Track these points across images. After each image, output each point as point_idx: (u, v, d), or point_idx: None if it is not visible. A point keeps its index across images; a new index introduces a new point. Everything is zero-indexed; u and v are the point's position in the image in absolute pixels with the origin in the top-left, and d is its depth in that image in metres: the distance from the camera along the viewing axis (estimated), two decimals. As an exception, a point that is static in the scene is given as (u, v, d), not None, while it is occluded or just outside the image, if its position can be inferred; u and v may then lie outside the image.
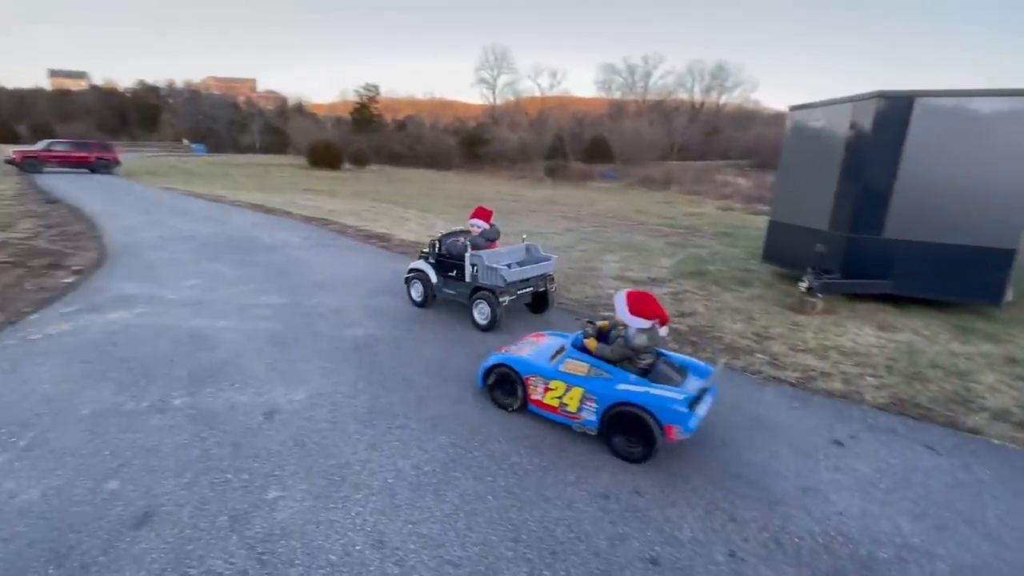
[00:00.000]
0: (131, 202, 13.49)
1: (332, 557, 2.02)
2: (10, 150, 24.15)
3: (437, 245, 5.29)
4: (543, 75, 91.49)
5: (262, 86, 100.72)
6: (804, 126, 7.07)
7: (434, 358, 4.00)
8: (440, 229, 6.95)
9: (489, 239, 5.29)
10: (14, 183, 17.65)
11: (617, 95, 68.32)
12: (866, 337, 4.93)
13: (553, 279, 5.33)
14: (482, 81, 74.77)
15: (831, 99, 6.52)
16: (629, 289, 3.10)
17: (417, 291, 5.41)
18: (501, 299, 4.62)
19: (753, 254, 8.99)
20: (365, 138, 49.46)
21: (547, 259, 5.31)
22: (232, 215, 12.16)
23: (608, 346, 3.01)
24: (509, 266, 4.78)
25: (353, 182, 28.76)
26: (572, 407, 2.96)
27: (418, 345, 4.25)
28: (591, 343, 3.11)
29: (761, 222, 15.05)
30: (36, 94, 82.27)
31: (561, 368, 3.07)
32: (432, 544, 2.11)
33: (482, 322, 4.73)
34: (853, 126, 5.96)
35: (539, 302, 5.35)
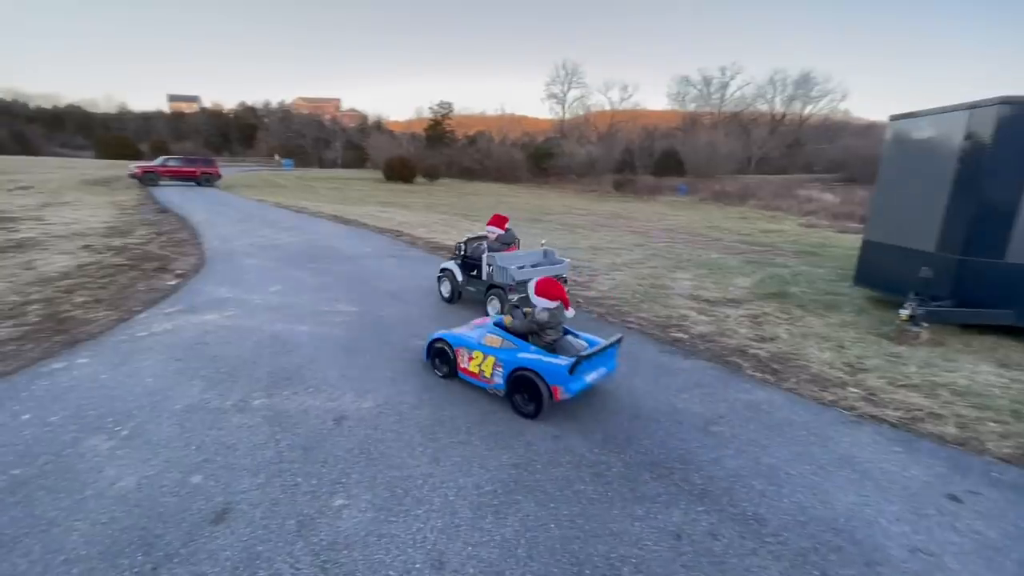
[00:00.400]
0: (228, 212, 14.76)
1: (391, 574, 2.00)
2: (133, 165, 27.38)
3: (462, 248, 5.96)
4: (614, 89, 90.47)
5: (346, 105, 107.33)
6: (907, 137, 6.41)
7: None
8: (467, 233, 7.48)
9: (505, 243, 5.83)
10: (135, 194, 19.94)
11: (691, 107, 66.20)
12: (984, 375, 4.31)
13: (567, 280, 5.71)
14: (552, 96, 75.23)
15: (940, 107, 5.87)
16: (540, 277, 3.67)
17: (446, 288, 6.06)
18: (511, 296, 5.05)
19: (842, 275, 8.26)
20: (437, 153, 51.32)
21: (561, 262, 5.74)
22: (314, 225, 12.95)
23: (519, 321, 3.59)
24: (522, 267, 5.28)
25: (425, 195, 29.82)
26: (487, 373, 3.53)
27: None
28: (507, 319, 3.69)
29: (850, 241, 13.87)
30: (157, 116, 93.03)
31: (482, 341, 3.64)
32: (491, 571, 2.04)
33: (495, 319, 4.60)
34: (969, 136, 5.32)
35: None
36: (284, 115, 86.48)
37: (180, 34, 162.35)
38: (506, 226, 6.02)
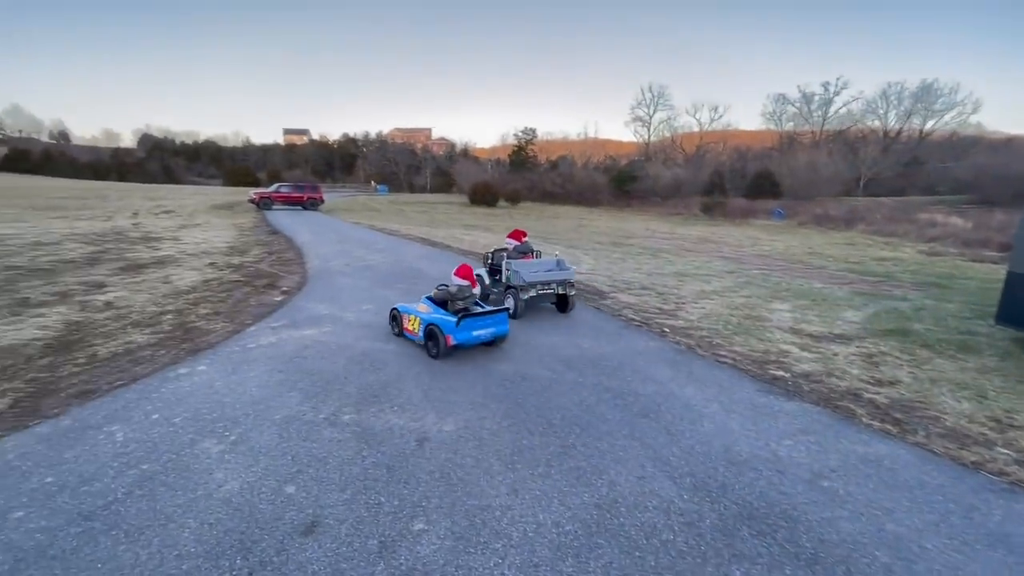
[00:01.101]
0: (328, 234, 16.02)
1: (469, 609, 1.95)
2: (252, 192, 30.86)
3: (490, 257, 7.24)
4: (703, 110, 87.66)
5: (436, 134, 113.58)
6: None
7: (582, 403, 3.83)
8: (494, 246, 8.92)
9: (522, 252, 7.03)
10: (252, 217, 22.30)
11: (788, 126, 62.20)
12: None
13: (573, 285, 6.75)
14: (637, 119, 74.23)
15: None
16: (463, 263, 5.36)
17: (479, 290, 6.72)
18: (522, 294, 6.30)
19: (979, 312, 7.17)
20: (520, 177, 52.48)
21: (568, 269, 6.76)
22: (403, 247, 13.66)
23: (437, 291, 5.24)
24: (535, 271, 6.48)
25: (507, 218, 30.45)
26: (415, 329, 5.05)
27: (564, 388, 4.13)
28: (435, 293, 5.26)
29: (987, 272, 12.07)
30: (274, 148, 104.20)
31: (417, 308, 5.18)
32: (572, 620, 1.91)
33: (512, 314, 6.07)
34: None
35: (562, 303, 6.73)
36: (380, 145, 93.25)
37: (295, 75, 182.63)
38: (524, 239, 7.18)
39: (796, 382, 4.48)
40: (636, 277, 10.12)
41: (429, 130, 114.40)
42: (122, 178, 73.28)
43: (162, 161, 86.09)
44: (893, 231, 23.23)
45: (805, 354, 5.32)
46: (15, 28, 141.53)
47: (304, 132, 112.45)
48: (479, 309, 5.11)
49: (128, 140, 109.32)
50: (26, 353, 4.62)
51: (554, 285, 6.52)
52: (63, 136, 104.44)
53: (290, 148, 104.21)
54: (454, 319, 4.67)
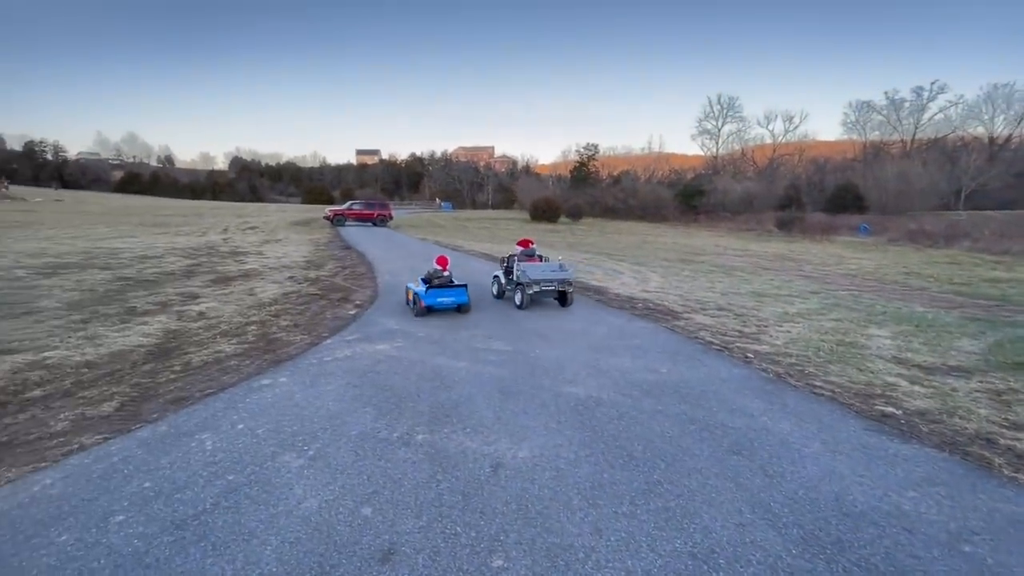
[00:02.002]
0: (397, 249, 16.56)
1: (557, 666, 1.77)
2: (327, 209, 32.77)
3: (505, 261, 8.72)
4: (776, 120, 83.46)
5: (499, 152, 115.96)
6: None
7: (664, 435, 3.56)
8: (507, 251, 10.34)
9: (528, 256, 8.41)
10: (327, 233, 23.56)
11: (874, 136, 57.82)
12: None
13: (571, 284, 8.03)
14: (704, 132, 71.89)
15: None
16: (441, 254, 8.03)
17: (496, 288, 8.71)
18: (528, 289, 7.70)
19: None
20: (581, 193, 52.20)
21: (567, 271, 7.96)
22: (467, 262, 13.83)
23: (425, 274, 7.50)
24: (543, 271, 7.84)
25: (568, 235, 30.26)
26: (410, 299, 7.46)
27: (643, 417, 3.87)
28: (425, 276, 7.48)
29: None
30: (347, 168, 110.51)
31: (414, 286, 7.39)
32: None
33: (517, 303, 7.90)
34: None
35: (563, 298, 8.07)
36: (445, 163, 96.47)
37: (368, 98, 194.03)
38: (531, 245, 8.72)
39: (911, 421, 3.95)
40: (710, 297, 9.58)
41: (491, 148, 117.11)
42: (215, 197, 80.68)
43: (249, 181, 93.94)
44: (1006, 248, 20.75)
45: (917, 388, 4.71)
46: (132, 64, 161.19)
47: (375, 152, 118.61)
48: (449, 285, 7.40)
49: (221, 162, 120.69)
50: (132, 359, 5.00)
51: (555, 283, 7.85)
52: (168, 160, 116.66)
53: (362, 167, 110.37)
54: (423, 289, 7.20)
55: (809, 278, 13.57)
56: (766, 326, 7.14)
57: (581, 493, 2.81)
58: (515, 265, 8.04)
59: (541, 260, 8.35)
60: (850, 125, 60.51)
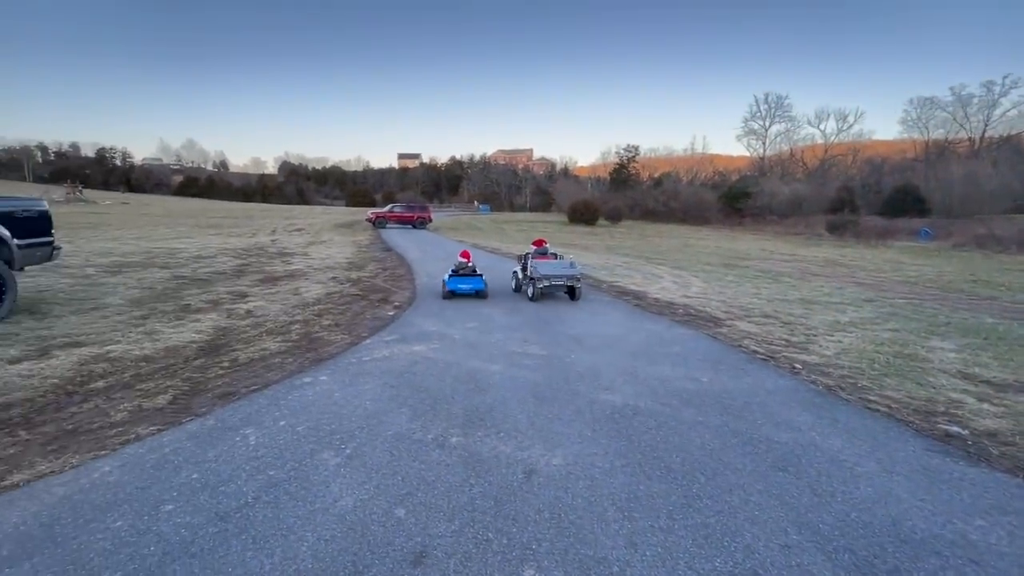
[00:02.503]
0: (435, 251, 16.79)
1: None
2: (369, 211, 33.67)
3: (523, 258, 9.56)
4: (828, 120, 79.70)
5: (537, 154, 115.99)
6: None
7: (704, 447, 3.43)
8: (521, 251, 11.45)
9: (541, 254, 9.34)
10: (369, 235, 24.18)
11: (938, 134, 54.32)
12: None
13: (579, 280, 8.86)
14: (750, 132, 69.50)
15: None
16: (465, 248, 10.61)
17: (514, 283, 9.67)
18: (539, 283, 8.53)
19: None
20: (621, 195, 51.48)
21: (575, 268, 8.83)
22: (504, 265, 13.85)
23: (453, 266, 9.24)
24: (550, 268, 8.69)
25: (606, 237, 29.90)
26: (440, 287, 9.04)
27: (682, 427, 3.75)
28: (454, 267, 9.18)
29: None
30: (388, 171, 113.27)
31: (445, 277, 8.92)
32: None
33: (529, 296, 8.76)
34: None
35: (572, 292, 8.89)
36: (484, 166, 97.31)
37: (410, 102, 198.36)
38: (545, 244, 9.75)
39: (979, 442, 3.65)
40: (755, 303, 9.22)
41: (530, 151, 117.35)
42: (265, 199, 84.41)
43: (297, 184, 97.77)
44: (1090, 256, 19.05)
45: (985, 406, 4.36)
46: (191, 75, 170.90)
47: (416, 156, 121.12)
48: (471, 274, 9.07)
49: (271, 167, 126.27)
50: (185, 354, 5.26)
51: (564, 279, 8.70)
52: (223, 165, 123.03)
53: (403, 171, 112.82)
54: (448, 277, 8.89)
55: (863, 285, 12.85)
56: (815, 335, 6.80)
57: (616, 504, 2.74)
58: (529, 262, 8.98)
59: (556, 258, 9.25)
60: (910, 123, 56.97)
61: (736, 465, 3.18)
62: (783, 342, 6.39)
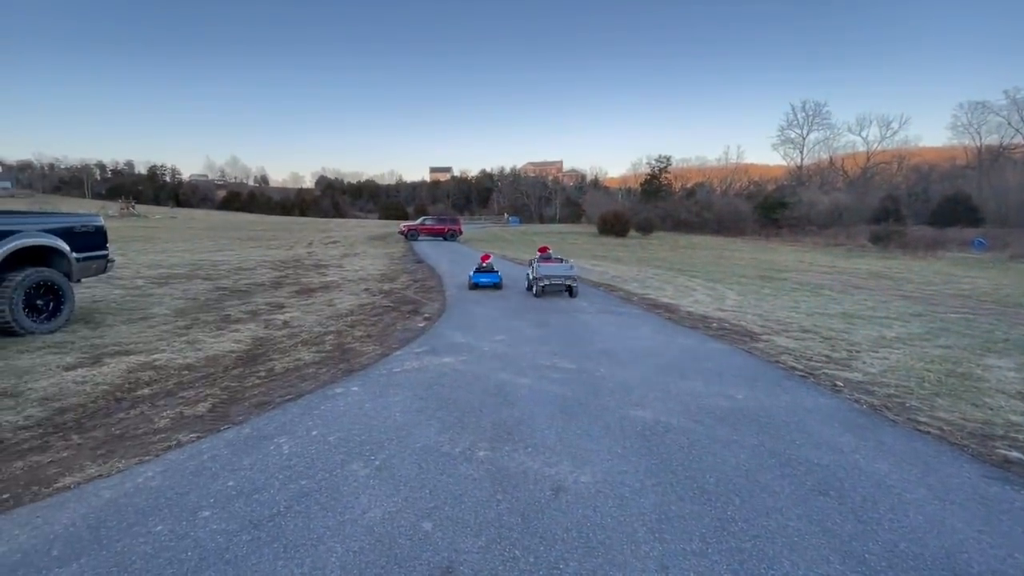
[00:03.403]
0: (465, 263, 16.95)
1: None
2: (401, 224, 34.35)
3: (531, 262, 11.30)
4: (870, 126, 76.80)
5: (567, 166, 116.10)
6: None
7: (739, 467, 3.31)
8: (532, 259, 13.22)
9: (546, 259, 11.04)
10: (401, 248, 24.63)
11: (991, 139, 51.62)
12: None
13: (575, 280, 10.52)
14: (787, 141, 67.71)
15: None
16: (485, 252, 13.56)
17: (527, 282, 11.29)
18: (540, 283, 10.26)
19: None
20: (652, 207, 50.89)
21: (572, 271, 10.52)
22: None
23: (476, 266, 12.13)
24: (550, 269, 10.39)
25: (638, 249, 29.55)
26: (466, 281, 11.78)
27: (716, 447, 3.63)
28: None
29: None
30: (420, 184, 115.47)
31: (471, 274, 11.68)
32: None
33: (534, 293, 10.38)
34: None
35: (570, 291, 10.48)
36: (514, 179, 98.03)
37: (443, 116, 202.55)
38: (548, 251, 11.60)
39: (1044, 470, 3.39)
40: (793, 317, 8.91)
41: (560, 163, 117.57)
42: (302, 213, 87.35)
43: (332, 198, 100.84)
44: None
45: (1050, 431, 4.05)
46: (235, 93, 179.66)
47: (447, 169, 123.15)
48: (489, 271, 11.67)
49: (308, 181, 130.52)
50: (224, 363, 5.45)
51: (562, 279, 10.35)
52: (263, 180, 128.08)
53: (435, 184, 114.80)
54: (473, 272, 11.54)
55: (910, 298, 12.24)
56: (858, 351, 6.50)
57: (647, 525, 2.66)
58: (534, 265, 10.82)
59: (562, 262, 10.94)
60: (960, 129, 54.29)
61: (773, 487, 3.05)
62: (823, 358, 6.13)
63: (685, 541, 2.53)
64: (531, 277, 10.81)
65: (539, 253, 11.54)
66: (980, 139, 52.90)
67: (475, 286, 11.25)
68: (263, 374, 5.12)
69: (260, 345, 6.23)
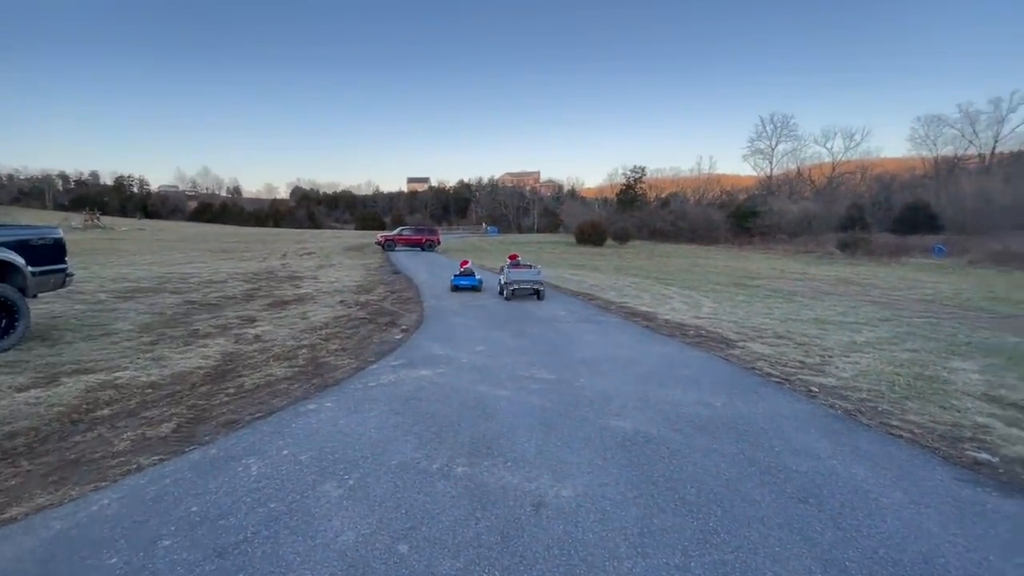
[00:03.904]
0: (443, 274, 16.81)
1: None
2: (378, 235, 33.94)
3: (503, 267, 12.23)
4: (835, 138, 79.75)
5: (544, 176, 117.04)
6: None
7: (720, 476, 3.29)
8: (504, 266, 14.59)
9: (515, 265, 11.93)
10: (378, 258, 24.32)
11: (947, 150, 54.09)
12: None
13: (542, 284, 11.53)
14: (757, 152, 69.63)
15: None
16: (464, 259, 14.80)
17: (499, 286, 12.03)
18: (509, 287, 11.27)
19: None
20: (628, 216, 51.59)
21: (539, 275, 11.57)
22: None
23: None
24: (519, 275, 11.40)
25: (615, 258, 29.84)
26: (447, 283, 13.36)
27: (696, 456, 3.61)
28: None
29: None
30: (398, 195, 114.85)
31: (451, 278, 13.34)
32: None
33: (505, 296, 11.37)
34: None
35: (537, 294, 11.39)
36: (492, 189, 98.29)
37: (419, 127, 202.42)
38: (517, 258, 12.47)
39: (1012, 470, 3.47)
40: (767, 323, 9.06)
41: (537, 173, 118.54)
42: (277, 224, 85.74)
43: (308, 209, 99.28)
44: (1111, 271, 18.65)
45: (1015, 431, 4.17)
46: (206, 103, 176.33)
47: (425, 180, 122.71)
48: (468, 275, 13.01)
49: (283, 192, 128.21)
50: (191, 380, 5.23)
51: (530, 283, 11.34)
52: (236, 191, 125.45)
53: (412, 194, 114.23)
54: (453, 277, 12.95)
55: (877, 304, 12.62)
56: (831, 356, 6.62)
57: (628, 540, 2.61)
58: (505, 270, 11.86)
59: (530, 268, 11.90)
60: (919, 140, 56.76)
61: (754, 496, 3.04)
62: (798, 364, 6.23)
63: (668, 555, 2.48)
64: (502, 282, 11.76)
65: (509, 260, 12.52)
66: (936, 150, 55.41)
67: (456, 288, 12.58)
68: (232, 391, 4.93)
69: (230, 361, 6.01)
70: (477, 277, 13.01)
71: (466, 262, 13.93)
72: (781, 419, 4.33)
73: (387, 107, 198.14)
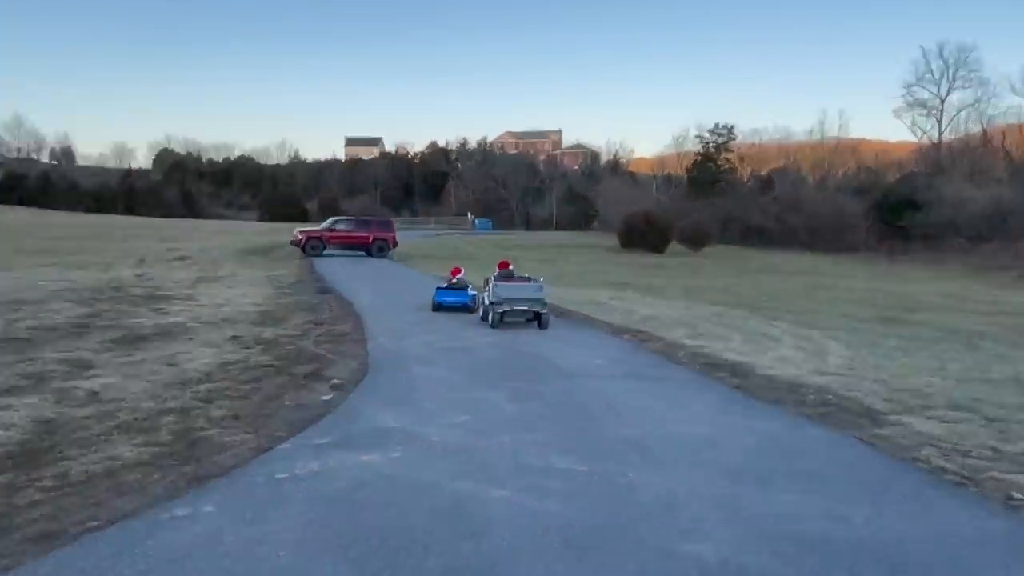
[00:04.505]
0: (404, 294, 16.96)
1: None
2: (297, 230, 34.16)
3: (489, 280, 13.23)
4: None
5: (569, 139, 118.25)
6: None
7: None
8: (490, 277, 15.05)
9: (506, 276, 13.17)
10: (295, 267, 24.58)
11: None
12: None
13: (545, 304, 12.54)
14: (916, 104, 70.52)
15: None
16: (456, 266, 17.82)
17: (482, 309, 13.34)
18: (498, 309, 12.10)
19: None
20: (706, 204, 52.05)
21: (540, 292, 12.55)
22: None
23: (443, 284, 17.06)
24: (512, 288, 12.54)
25: (685, 272, 30.03)
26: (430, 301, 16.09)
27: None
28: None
29: None
30: (332, 165, 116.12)
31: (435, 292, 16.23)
32: None
33: (490, 323, 12.52)
34: None
35: (538, 320, 12.36)
36: (483, 158, 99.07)
37: (365, 61, 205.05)
38: (509, 267, 13.65)
39: None
40: (936, 385, 9.08)
41: (558, 133, 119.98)
42: (131, 210, 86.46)
43: (182, 186, 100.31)
44: None
45: None
46: (17, 23, 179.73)
47: (374, 141, 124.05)
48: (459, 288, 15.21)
49: (143, 158, 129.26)
50: (-20, 466, 5.21)
51: (527, 303, 12.23)
52: (66, 155, 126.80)
53: (353, 165, 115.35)
54: (436, 291, 15.15)
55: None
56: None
57: None
58: (491, 285, 12.54)
59: (529, 281, 12.71)
60: None
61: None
62: (990, 453, 6.21)
63: None
64: (487, 301, 12.67)
65: (498, 269, 13.45)
66: None
67: (439, 307, 14.55)
68: (50, 484, 4.90)
69: (47, 433, 6.01)
70: (471, 292, 14.64)
71: (458, 270, 15.84)
72: (963, 546, 4.29)
73: (316, 17, 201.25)
